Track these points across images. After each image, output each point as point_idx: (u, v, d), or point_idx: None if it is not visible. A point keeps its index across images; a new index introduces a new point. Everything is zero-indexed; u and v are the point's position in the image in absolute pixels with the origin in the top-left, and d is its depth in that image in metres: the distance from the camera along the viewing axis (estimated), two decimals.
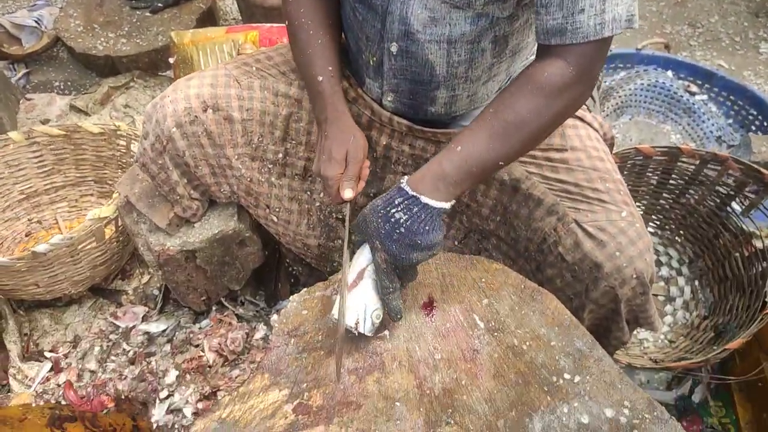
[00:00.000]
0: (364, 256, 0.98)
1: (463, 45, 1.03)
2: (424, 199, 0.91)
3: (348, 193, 1.06)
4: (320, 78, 1.10)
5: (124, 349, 1.56)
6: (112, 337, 1.64)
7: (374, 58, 1.11)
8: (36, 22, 2.66)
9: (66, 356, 1.58)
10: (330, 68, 1.11)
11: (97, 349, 1.59)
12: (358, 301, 0.95)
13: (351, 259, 1.03)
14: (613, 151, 1.30)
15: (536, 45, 1.17)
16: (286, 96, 1.21)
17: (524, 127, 0.93)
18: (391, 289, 0.94)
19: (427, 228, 0.91)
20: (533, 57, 1.18)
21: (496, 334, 0.99)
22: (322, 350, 0.98)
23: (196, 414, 1.04)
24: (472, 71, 1.08)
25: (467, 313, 1.02)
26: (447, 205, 0.93)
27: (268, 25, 2.17)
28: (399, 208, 0.92)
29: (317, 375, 0.95)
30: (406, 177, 0.95)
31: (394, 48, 1.06)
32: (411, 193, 0.92)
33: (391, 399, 0.91)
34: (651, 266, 1.05)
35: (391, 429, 0.87)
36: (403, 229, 0.90)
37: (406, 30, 1.02)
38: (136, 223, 1.36)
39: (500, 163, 0.95)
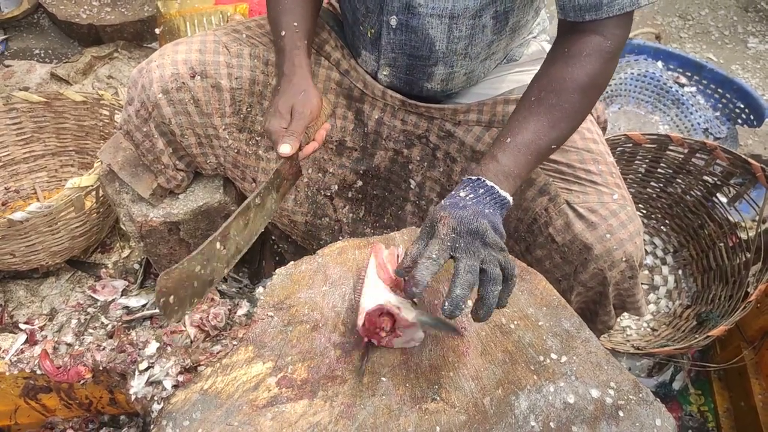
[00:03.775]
0: None
1: (464, 20, 1.01)
2: (489, 183, 0.86)
3: (284, 148, 0.96)
4: (283, 33, 1.05)
5: (102, 323, 1.53)
6: (90, 310, 1.60)
7: (372, 31, 1.08)
8: None
9: (42, 329, 1.55)
10: (295, 24, 1.05)
11: (74, 322, 1.55)
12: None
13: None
14: (604, 135, 1.29)
15: (535, 24, 1.16)
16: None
17: (569, 107, 0.91)
18: (434, 258, 0.79)
19: (489, 211, 0.84)
20: (531, 36, 1.17)
21: None
22: (308, 324, 0.96)
23: (177, 386, 1.01)
24: (472, 48, 1.06)
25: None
26: (509, 197, 0.88)
27: None
28: (464, 190, 0.86)
29: (302, 348, 0.93)
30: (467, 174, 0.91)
31: (393, 21, 1.03)
32: (475, 177, 0.87)
33: (377, 374, 0.90)
34: (640, 250, 1.05)
35: (377, 404, 0.86)
36: (469, 201, 0.83)
37: (407, 3, 1.00)
38: (119, 193, 1.33)
39: (552, 146, 0.93)
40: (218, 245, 0.87)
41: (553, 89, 0.91)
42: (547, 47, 1.18)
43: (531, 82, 0.95)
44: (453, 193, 0.87)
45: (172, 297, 0.81)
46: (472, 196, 0.84)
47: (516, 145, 0.89)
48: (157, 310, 1.46)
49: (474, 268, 0.79)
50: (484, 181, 0.86)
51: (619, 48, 0.93)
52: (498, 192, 0.86)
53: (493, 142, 0.92)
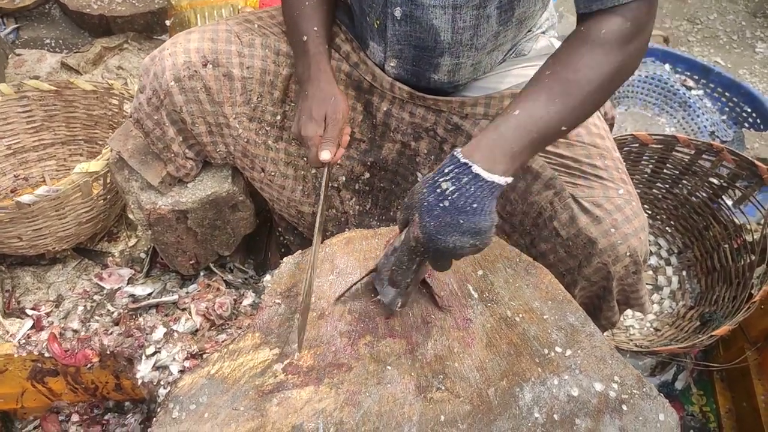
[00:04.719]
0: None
1: (468, 10, 1.01)
2: (476, 169, 0.78)
3: (325, 155, 1.01)
4: (305, 38, 1.08)
5: (108, 310, 1.54)
6: (96, 298, 1.62)
7: (378, 22, 1.09)
8: None
9: (48, 315, 1.56)
10: (316, 28, 1.09)
11: (80, 308, 1.56)
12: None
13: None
14: (611, 133, 1.29)
15: (542, 17, 1.16)
16: (287, 56, 1.19)
17: (585, 85, 0.86)
18: (404, 267, 0.84)
19: (474, 206, 0.78)
20: (539, 31, 1.18)
21: (489, 304, 0.99)
22: (315, 312, 0.97)
23: (183, 371, 1.02)
24: (478, 39, 1.07)
25: (462, 283, 1.02)
26: (501, 180, 0.79)
27: None
28: (447, 177, 0.79)
29: (309, 336, 0.94)
30: (459, 147, 0.83)
31: (398, 12, 1.04)
32: (462, 160, 0.79)
33: (383, 362, 0.91)
34: (645, 245, 1.05)
35: (382, 392, 0.87)
36: (447, 203, 0.78)
37: None
38: (128, 181, 1.34)
39: (563, 128, 0.87)
40: (311, 274, 0.94)
41: (570, 64, 0.87)
42: (557, 43, 1.18)
43: (546, 60, 0.91)
44: (436, 177, 0.80)
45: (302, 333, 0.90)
46: (453, 189, 0.78)
47: (523, 118, 0.83)
48: (164, 299, 1.48)
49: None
50: (470, 167, 0.78)
51: (639, 29, 0.88)
52: (484, 179, 0.78)
53: (499, 113, 0.87)
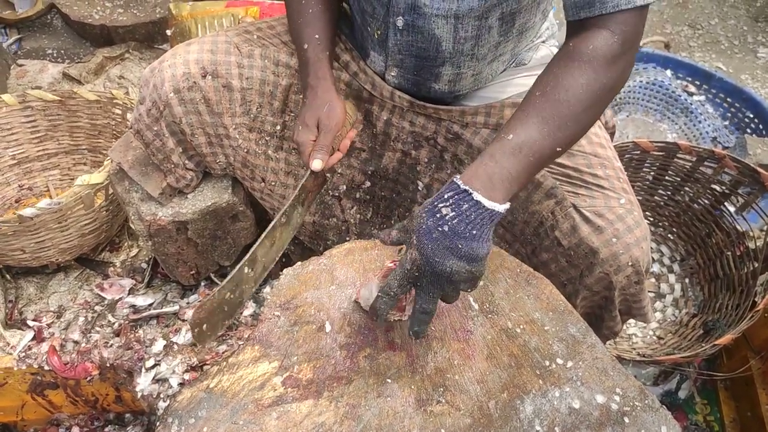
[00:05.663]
0: None
1: (470, 21, 1.01)
2: (477, 196, 0.79)
3: (316, 164, 1.03)
4: (306, 46, 1.09)
5: (109, 321, 1.54)
6: (98, 308, 1.62)
7: (379, 32, 1.09)
8: None
9: (49, 326, 1.56)
10: (317, 36, 1.10)
11: (81, 319, 1.56)
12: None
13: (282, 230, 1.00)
14: (612, 141, 1.29)
15: (542, 26, 1.16)
16: (287, 66, 1.19)
17: (577, 105, 0.85)
18: (391, 294, 0.83)
19: (474, 233, 0.78)
20: (539, 41, 1.18)
21: (490, 316, 0.98)
22: (314, 324, 0.97)
23: (183, 384, 1.02)
24: (479, 49, 1.07)
25: (462, 294, 1.01)
26: (501, 208, 0.80)
27: (270, 0, 2.14)
28: (448, 203, 0.80)
29: (308, 348, 0.94)
30: (459, 174, 0.84)
31: (400, 22, 1.04)
32: (463, 186, 0.80)
33: (383, 375, 0.90)
34: (647, 255, 1.05)
35: (381, 405, 0.87)
36: (446, 228, 0.78)
37: (413, 3, 1.01)
38: (128, 192, 1.34)
39: (558, 149, 0.86)
40: (246, 269, 0.89)
41: (559, 84, 0.86)
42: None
43: (536, 80, 0.91)
44: (436, 203, 0.81)
45: (204, 326, 0.83)
46: (453, 215, 0.79)
47: (518, 145, 0.83)
48: (165, 309, 1.48)
49: (430, 306, 0.83)
50: (471, 194, 0.79)
51: (626, 44, 0.87)
52: (484, 207, 0.79)
53: (493, 139, 0.87)
